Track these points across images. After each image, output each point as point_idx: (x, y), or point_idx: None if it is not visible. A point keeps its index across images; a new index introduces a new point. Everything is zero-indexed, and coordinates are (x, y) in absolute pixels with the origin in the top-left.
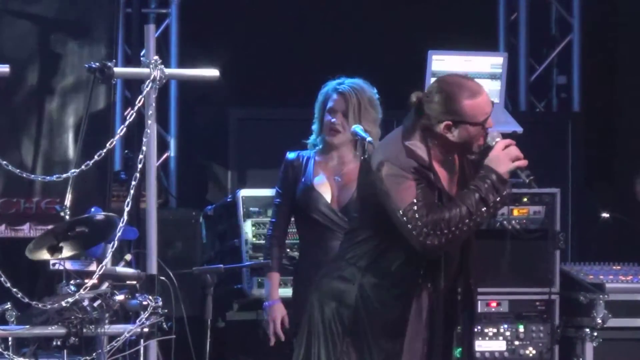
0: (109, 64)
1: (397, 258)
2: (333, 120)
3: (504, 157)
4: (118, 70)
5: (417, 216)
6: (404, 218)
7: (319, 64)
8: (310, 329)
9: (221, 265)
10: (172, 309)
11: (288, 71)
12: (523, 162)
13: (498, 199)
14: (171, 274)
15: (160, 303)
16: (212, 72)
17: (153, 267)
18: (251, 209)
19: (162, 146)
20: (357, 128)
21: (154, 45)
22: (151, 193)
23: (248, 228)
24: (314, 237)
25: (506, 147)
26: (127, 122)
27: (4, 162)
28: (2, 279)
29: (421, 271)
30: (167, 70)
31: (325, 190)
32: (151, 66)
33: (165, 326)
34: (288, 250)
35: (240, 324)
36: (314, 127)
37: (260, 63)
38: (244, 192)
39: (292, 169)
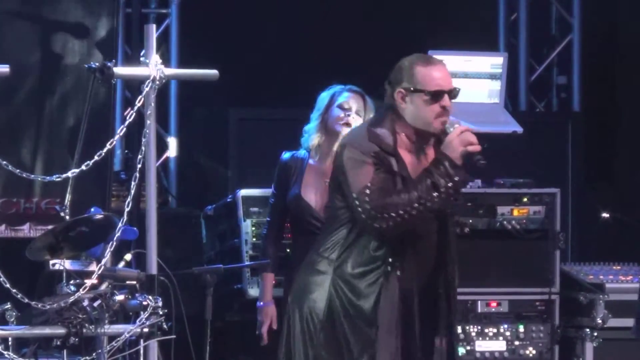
0: (109, 64)
1: (365, 247)
2: (348, 113)
3: (458, 142)
4: (118, 70)
5: (367, 200)
6: (356, 201)
7: (318, 64)
8: (290, 330)
9: (221, 265)
10: (172, 309)
11: (288, 71)
12: (475, 148)
13: (450, 184)
14: (171, 274)
15: (160, 303)
16: (212, 72)
17: (153, 267)
18: (251, 208)
19: (162, 146)
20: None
21: (154, 45)
22: (151, 193)
23: (248, 228)
24: (303, 240)
25: (462, 133)
26: (127, 122)
27: (4, 162)
28: (1, 279)
29: (389, 259)
30: (167, 70)
31: (314, 198)
32: (151, 66)
33: (165, 326)
34: (288, 250)
35: (240, 324)
36: (310, 126)
37: (261, 63)
38: (244, 192)
39: (286, 170)
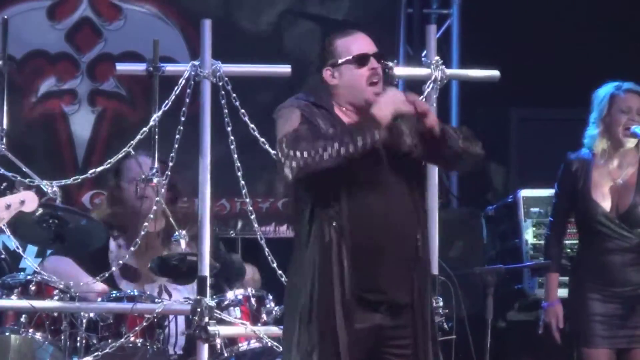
0: (391, 64)
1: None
2: (631, 118)
3: (389, 101)
4: (399, 70)
5: (284, 142)
6: (277, 146)
7: (598, 62)
8: None
9: (502, 265)
10: (452, 308)
11: (568, 71)
12: (408, 107)
13: (367, 139)
14: (452, 274)
15: (440, 303)
16: (493, 73)
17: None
18: (532, 209)
19: None
20: (638, 129)
21: (434, 46)
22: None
23: (529, 228)
24: (591, 241)
25: (395, 94)
26: None
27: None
28: (283, 279)
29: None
30: (448, 71)
31: (603, 198)
32: (432, 66)
33: (446, 326)
34: (569, 250)
35: (521, 324)
36: (593, 132)
37: (540, 63)
38: (525, 193)
39: (571, 170)
